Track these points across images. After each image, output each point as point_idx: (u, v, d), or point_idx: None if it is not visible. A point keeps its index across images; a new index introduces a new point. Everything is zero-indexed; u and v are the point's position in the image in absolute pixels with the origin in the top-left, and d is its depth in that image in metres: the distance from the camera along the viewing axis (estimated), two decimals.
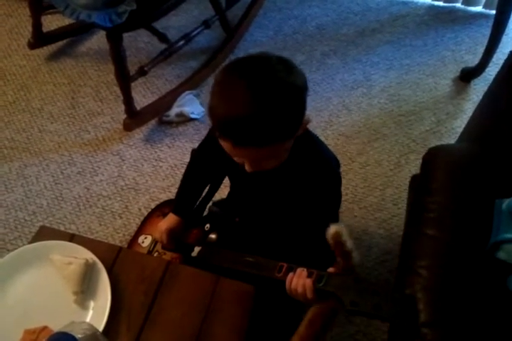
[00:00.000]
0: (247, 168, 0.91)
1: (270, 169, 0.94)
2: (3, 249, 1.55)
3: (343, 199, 1.12)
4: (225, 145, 0.88)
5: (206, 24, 2.00)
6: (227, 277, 1.02)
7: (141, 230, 1.34)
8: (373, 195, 1.69)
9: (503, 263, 0.90)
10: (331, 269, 0.90)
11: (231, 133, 0.83)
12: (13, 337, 0.91)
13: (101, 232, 1.61)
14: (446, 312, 0.85)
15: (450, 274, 0.89)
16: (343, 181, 1.08)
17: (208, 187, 1.31)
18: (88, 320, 0.94)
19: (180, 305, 0.98)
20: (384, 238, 1.58)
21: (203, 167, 1.22)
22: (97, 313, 0.94)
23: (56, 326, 0.91)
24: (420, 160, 1.72)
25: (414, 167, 1.75)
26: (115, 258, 1.03)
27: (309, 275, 0.90)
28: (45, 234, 1.08)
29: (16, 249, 1.30)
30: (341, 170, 1.11)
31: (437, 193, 1.01)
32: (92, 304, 0.96)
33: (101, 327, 0.92)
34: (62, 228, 1.61)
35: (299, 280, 0.90)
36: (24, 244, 1.53)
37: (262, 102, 0.79)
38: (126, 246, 1.36)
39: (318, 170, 1.03)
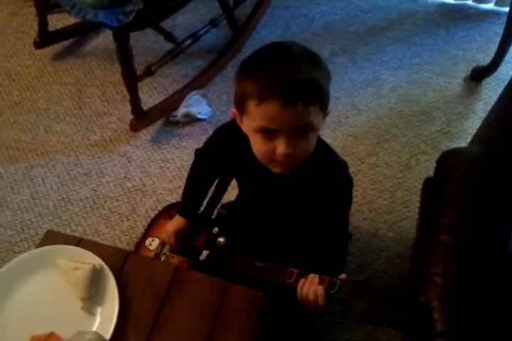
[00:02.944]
0: (282, 150, 0.86)
1: (295, 166, 0.93)
2: (9, 251, 1.53)
3: (352, 201, 1.11)
4: (266, 112, 0.84)
5: (213, 23, 1.98)
6: (235, 281, 1.01)
7: (148, 232, 1.33)
8: (383, 197, 1.67)
9: None
10: (342, 276, 0.88)
11: (279, 87, 0.82)
12: None
13: (108, 234, 1.60)
14: (463, 321, 0.83)
15: (466, 282, 0.87)
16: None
17: (214, 189, 1.29)
18: (96, 326, 0.92)
19: (189, 311, 0.96)
20: (394, 241, 1.55)
21: (208, 167, 1.20)
22: (105, 320, 0.93)
23: (63, 332, 0.91)
24: (431, 162, 1.71)
25: (424, 168, 1.73)
26: (123, 263, 1.02)
27: (321, 282, 0.88)
28: (51, 238, 1.07)
29: (22, 251, 1.29)
30: (351, 171, 1.10)
31: (452, 198, 0.98)
32: (99, 310, 0.95)
33: (108, 334, 0.90)
34: (68, 230, 1.60)
35: (311, 287, 0.89)
36: (30, 246, 1.55)
37: (301, 59, 0.86)
38: (133, 248, 1.35)
39: (331, 174, 1.02)
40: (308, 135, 0.89)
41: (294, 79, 0.82)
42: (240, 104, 0.90)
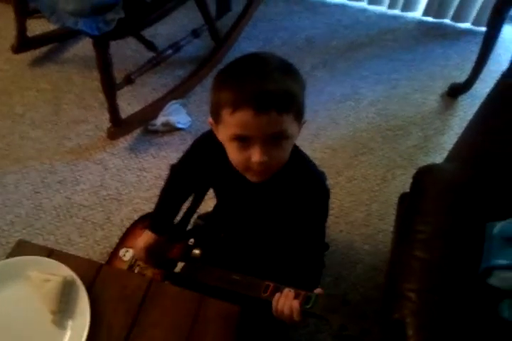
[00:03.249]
0: (257, 158, 0.87)
1: (270, 175, 0.93)
2: None
3: (329, 213, 1.11)
4: (240, 120, 0.85)
5: (195, 33, 1.98)
6: (211, 294, 0.99)
7: (122, 243, 1.30)
8: (359, 209, 1.68)
9: (495, 289, 0.88)
10: (318, 290, 0.88)
11: (253, 95, 0.83)
12: None
13: (81, 244, 1.56)
14: (436, 338, 0.83)
15: (440, 299, 0.88)
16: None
17: (190, 201, 1.28)
18: (66, 340, 0.90)
19: (163, 325, 0.94)
20: (370, 254, 1.56)
21: (183, 183, 1.18)
22: (75, 333, 0.90)
23: None
24: (406, 176, 1.73)
25: (400, 182, 1.75)
26: (95, 276, 0.99)
27: (296, 296, 0.87)
28: (23, 248, 1.04)
29: None
30: (328, 183, 1.10)
31: (427, 214, 0.99)
32: (70, 323, 0.92)
33: None
34: (40, 239, 1.56)
35: (286, 302, 0.88)
36: (1, 255, 1.50)
37: (276, 70, 0.87)
38: (106, 258, 1.32)
39: (308, 184, 1.02)
40: (282, 143, 0.90)
41: (267, 88, 0.83)
42: (215, 114, 0.91)
